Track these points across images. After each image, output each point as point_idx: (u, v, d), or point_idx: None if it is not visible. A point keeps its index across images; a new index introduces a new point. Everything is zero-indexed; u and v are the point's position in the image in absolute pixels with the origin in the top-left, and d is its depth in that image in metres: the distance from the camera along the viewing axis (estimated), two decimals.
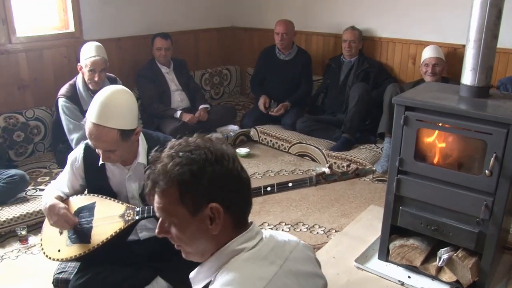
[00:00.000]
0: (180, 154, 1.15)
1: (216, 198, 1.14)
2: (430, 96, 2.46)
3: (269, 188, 2.12)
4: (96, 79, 3.65)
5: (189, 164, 1.12)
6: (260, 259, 1.18)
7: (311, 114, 4.80)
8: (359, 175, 2.19)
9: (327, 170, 2.24)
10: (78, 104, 3.69)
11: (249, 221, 1.26)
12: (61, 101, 3.68)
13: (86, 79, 3.70)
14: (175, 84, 4.71)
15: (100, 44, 3.79)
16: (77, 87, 3.74)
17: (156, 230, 1.23)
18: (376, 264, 2.73)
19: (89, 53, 3.68)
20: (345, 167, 2.19)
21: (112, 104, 2.08)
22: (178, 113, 4.49)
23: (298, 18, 5.08)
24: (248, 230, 1.21)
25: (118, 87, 2.20)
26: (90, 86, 3.71)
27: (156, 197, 1.18)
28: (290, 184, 2.14)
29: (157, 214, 1.20)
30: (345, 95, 4.47)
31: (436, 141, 2.50)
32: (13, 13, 3.92)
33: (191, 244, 1.19)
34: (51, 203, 2.24)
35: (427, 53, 4.03)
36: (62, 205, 2.24)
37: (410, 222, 2.57)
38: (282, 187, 2.14)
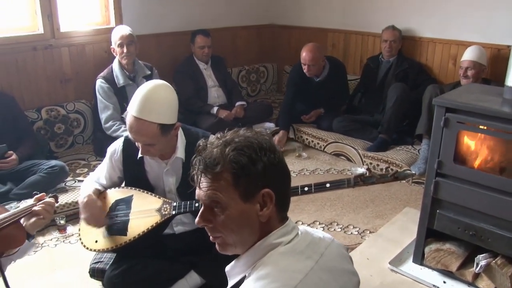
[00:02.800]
0: (236, 140, 1.18)
1: (268, 185, 1.17)
2: (472, 98, 2.40)
3: (306, 188, 2.11)
4: (125, 51, 3.88)
5: (246, 150, 1.16)
6: (296, 253, 1.18)
7: (348, 114, 4.75)
8: (398, 178, 2.15)
9: (363, 171, 2.22)
10: (113, 83, 3.91)
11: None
12: (98, 82, 3.93)
13: (118, 56, 3.94)
14: (212, 80, 4.74)
15: (125, 26, 4.01)
16: (112, 67, 3.98)
17: (197, 219, 1.23)
18: (410, 267, 2.68)
19: (116, 32, 3.96)
20: (384, 170, 2.16)
21: (154, 98, 2.10)
22: (215, 109, 4.52)
23: (337, 17, 5.04)
24: (284, 225, 1.23)
25: (160, 82, 2.22)
26: (123, 61, 3.93)
27: (207, 182, 1.18)
28: (327, 185, 2.12)
29: (205, 200, 1.20)
30: (383, 95, 4.41)
31: (478, 144, 2.44)
32: (57, 9, 4.02)
33: (236, 233, 1.20)
34: (88, 199, 2.29)
35: (464, 55, 3.93)
36: (98, 204, 2.29)
37: (447, 226, 2.52)
38: (319, 187, 2.13)
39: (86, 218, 2.28)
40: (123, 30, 3.94)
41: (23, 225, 1.79)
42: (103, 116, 3.86)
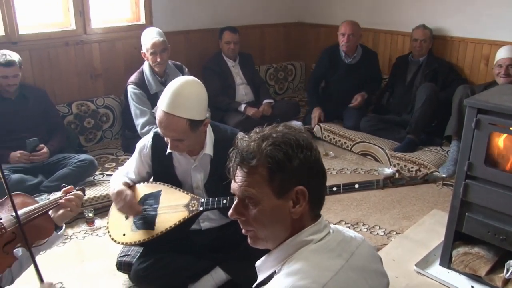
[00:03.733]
0: (274, 135, 1.18)
1: (303, 183, 1.17)
2: (505, 99, 2.35)
3: (335, 188, 2.10)
4: (158, 59, 3.78)
5: (283, 146, 1.16)
6: (327, 251, 1.18)
7: (375, 113, 4.70)
8: (427, 181, 2.12)
9: (391, 171, 2.19)
10: (146, 90, 3.82)
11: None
12: (130, 88, 3.83)
13: (150, 62, 3.83)
14: (240, 77, 4.75)
15: (156, 28, 3.92)
16: (144, 73, 3.88)
17: (230, 211, 1.25)
18: (437, 270, 2.64)
19: (148, 37, 3.83)
20: (414, 172, 2.13)
21: (183, 94, 2.12)
22: (243, 106, 4.53)
23: (366, 15, 4.99)
24: (317, 223, 1.23)
25: (190, 78, 2.24)
26: (156, 68, 3.84)
27: (242, 176, 1.19)
28: (356, 186, 2.11)
29: (238, 193, 1.21)
30: (412, 95, 4.35)
31: (510, 147, 2.38)
32: (89, 6, 4.09)
33: (267, 227, 1.20)
34: (118, 189, 2.33)
35: (502, 54, 3.84)
36: (129, 192, 2.33)
37: (476, 229, 2.47)
38: (348, 188, 2.11)
39: (121, 207, 2.32)
40: (155, 36, 3.81)
41: (51, 216, 1.82)
42: (139, 122, 3.76)
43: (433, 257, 2.74)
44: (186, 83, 2.16)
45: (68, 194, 1.87)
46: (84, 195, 1.99)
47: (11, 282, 1.78)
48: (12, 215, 1.64)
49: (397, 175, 2.09)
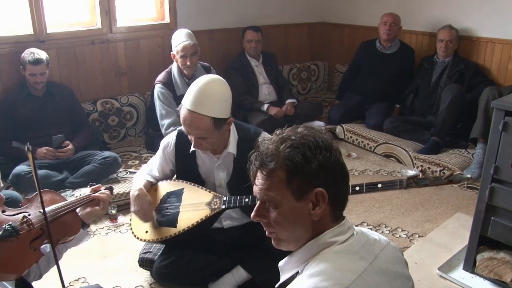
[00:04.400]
0: (292, 137, 1.17)
1: (322, 184, 1.16)
2: None
3: (357, 188, 2.07)
4: (188, 63, 3.77)
5: (301, 148, 1.15)
6: (350, 253, 1.17)
7: (399, 114, 4.66)
8: (452, 181, 2.08)
9: (414, 173, 2.16)
10: (173, 90, 3.82)
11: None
12: (157, 87, 3.83)
13: (180, 65, 3.82)
14: (263, 77, 4.75)
15: (188, 30, 3.91)
16: (172, 73, 3.88)
17: (252, 214, 1.25)
18: (460, 274, 2.61)
19: (178, 39, 3.82)
20: (438, 173, 2.10)
21: (208, 92, 2.13)
22: (265, 106, 4.52)
23: None
24: (340, 224, 1.22)
25: (215, 76, 2.25)
26: (184, 71, 3.83)
27: (261, 178, 1.20)
28: (379, 185, 2.08)
29: (259, 196, 1.22)
30: (437, 96, 4.29)
31: None
32: (115, 5, 4.14)
33: (288, 229, 1.21)
34: (139, 193, 2.33)
35: None
36: (148, 198, 2.33)
37: (502, 234, 2.42)
38: (371, 187, 2.09)
39: (135, 211, 2.34)
40: (186, 39, 3.78)
41: (79, 214, 1.85)
42: (164, 122, 3.76)
43: (456, 261, 2.70)
44: (211, 81, 2.17)
45: (96, 193, 1.89)
46: (112, 194, 2.01)
47: (39, 277, 1.81)
48: (40, 212, 1.66)
49: (421, 175, 2.06)
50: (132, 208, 2.35)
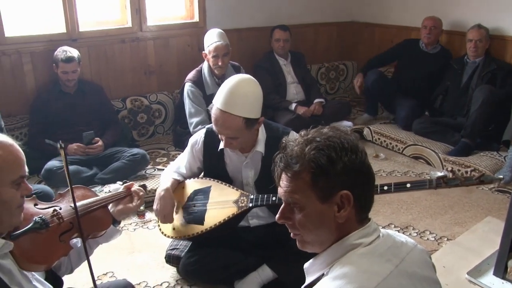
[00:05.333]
0: (318, 139, 1.16)
1: (347, 187, 1.14)
2: None
3: (386, 187, 2.05)
4: (219, 63, 3.79)
5: (326, 150, 1.14)
6: (376, 255, 1.16)
7: (429, 115, 4.59)
8: (483, 182, 2.03)
9: (444, 175, 2.12)
10: (203, 89, 3.85)
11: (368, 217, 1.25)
12: (187, 86, 3.86)
13: (211, 65, 3.84)
14: (291, 76, 4.74)
15: (221, 30, 3.93)
16: (202, 72, 3.90)
17: (277, 216, 1.24)
18: (490, 280, 2.54)
19: (211, 39, 3.84)
20: (469, 173, 2.05)
21: (240, 92, 2.14)
22: (293, 105, 4.51)
23: (421, 15, 4.86)
24: (366, 226, 1.20)
25: (246, 76, 2.26)
26: (215, 71, 3.85)
27: (286, 180, 1.19)
28: (408, 185, 2.05)
29: (283, 198, 1.21)
30: (468, 97, 4.21)
31: None
32: (145, 3, 4.18)
33: (313, 232, 1.20)
34: (165, 194, 2.35)
35: None
36: (172, 201, 2.35)
37: None
38: (399, 187, 2.06)
39: (156, 210, 2.36)
40: (219, 40, 3.81)
41: (110, 211, 1.87)
42: (193, 120, 3.79)
43: (486, 266, 2.65)
44: (242, 81, 2.18)
45: (129, 190, 1.92)
46: (146, 192, 2.03)
47: (71, 271, 1.85)
48: (71, 206, 1.69)
49: (451, 175, 2.02)
50: (154, 206, 2.38)
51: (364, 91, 4.82)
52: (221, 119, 2.14)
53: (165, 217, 2.34)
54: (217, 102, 2.16)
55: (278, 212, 1.24)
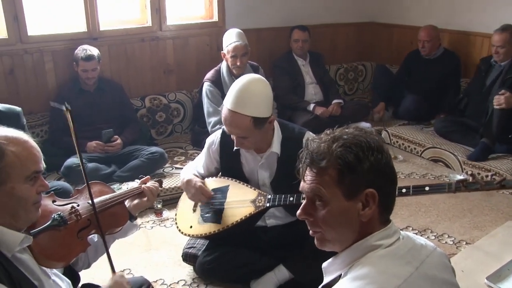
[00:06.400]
0: (344, 137, 1.17)
1: (373, 185, 1.15)
2: None
3: (404, 190, 2.02)
4: (238, 63, 3.80)
5: (354, 148, 1.15)
6: (396, 257, 1.15)
7: (451, 115, 4.52)
8: (505, 186, 2.00)
9: (463, 178, 2.09)
10: (221, 89, 3.86)
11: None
12: (206, 85, 3.88)
13: (229, 64, 3.86)
14: (310, 77, 4.73)
15: (240, 30, 3.94)
16: (221, 72, 3.92)
17: (298, 211, 1.24)
18: (510, 285, 2.49)
19: (230, 39, 3.85)
20: (489, 177, 2.03)
21: (248, 92, 2.15)
22: (311, 106, 4.49)
23: (443, 15, 4.81)
24: (387, 228, 1.20)
25: (255, 76, 2.27)
26: (234, 71, 3.86)
27: (312, 176, 1.19)
28: (427, 188, 2.02)
29: (308, 193, 1.21)
30: (490, 100, 4.13)
31: None
32: (165, 3, 4.21)
33: (335, 229, 1.20)
34: (188, 178, 2.40)
35: None
36: (198, 179, 2.39)
37: None
38: (418, 190, 2.03)
39: (192, 194, 2.39)
40: (237, 40, 3.83)
41: (127, 206, 1.89)
42: (211, 120, 3.81)
43: (506, 272, 2.60)
44: (250, 81, 2.19)
45: (144, 185, 1.94)
46: (161, 186, 2.05)
47: (88, 266, 1.87)
48: (88, 203, 1.71)
49: (471, 179, 1.99)
50: (188, 194, 2.41)
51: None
52: (229, 118, 2.16)
53: (203, 193, 2.35)
54: (227, 102, 2.19)
55: (300, 208, 1.23)
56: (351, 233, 1.19)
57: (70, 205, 1.69)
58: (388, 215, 1.22)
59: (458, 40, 4.87)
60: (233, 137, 2.24)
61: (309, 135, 2.28)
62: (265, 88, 2.23)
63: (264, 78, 2.28)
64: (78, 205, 1.71)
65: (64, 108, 1.65)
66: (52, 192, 1.72)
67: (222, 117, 2.22)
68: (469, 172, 2.23)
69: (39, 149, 1.46)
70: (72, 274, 1.73)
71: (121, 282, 1.63)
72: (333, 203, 1.17)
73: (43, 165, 1.46)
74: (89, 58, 3.57)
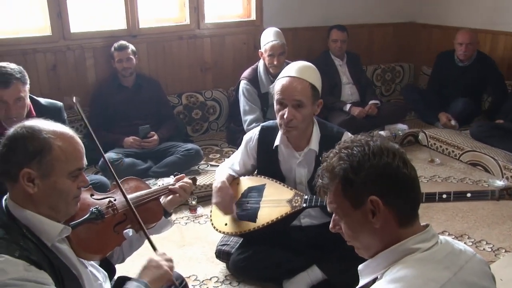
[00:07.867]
0: (343, 151, 1.21)
1: (375, 191, 1.16)
2: None
3: (444, 196, 1.99)
4: (275, 62, 3.80)
5: (349, 159, 1.18)
6: (434, 262, 1.14)
7: (490, 120, 4.41)
8: None
9: (502, 184, 2.04)
10: (257, 87, 3.87)
11: (426, 223, 1.23)
12: (243, 83, 3.90)
13: (267, 63, 3.87)
14: (347, 77, 4.69)
15: (278, 29, 3.94)
16: (258, 71, 3.93)
17: (330, 225, 1.30)
18: None
19: (268, 38, 3.85)
20: None
21: (306, 65, 2.26)
22: (348, 106, 4.46)
23: (484, 15, 4.69)
24: (424, 231, 1.19)
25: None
26: (271, 70, 3.86)
27: (324, 192, 1.26)
28: (468, 195, 1.99)
29: (329, 210, 1.27)
30: None
31: None
32: (204, 1, 4.24)
33: (356, 239, 1.23)
34: (222, 185, 2.39)
35: None
36: (230, 192, 2.39)
37: None
38: (459, 196, 2.00)
39: (216, 203, 2.39)
40: (275, 39, 3.83)
41: (162, 202, 1.91)
42: (247, 118, 3.81)
43: None
44: (305, 62, 2.30)
45: (180, 182, 1.95)
46: (195, 184, 2.07)
47: (122, 260, 1.90)
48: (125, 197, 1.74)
49: None
50: (213, 200, 2.41)
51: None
52: (289, 82, 2.19)
53: (226, 208, 2.37)
54: (285, 73, 2.24)
55: (331, 221, 1.30)
56: (371, 240, 1.21)
57: (107, 200, 1.73)
58: (410, 217, 1.20)
59: (502, 41, 4.74)
60: (284, 111, 2.18)
61: (347, 135, 2.27)
62: (317, 70, 2.31)
63: None
64: (115, 200, 1.74)
65: (74, 100, 1.73)
66: (90, 186, 1.75)
67: (277, 88, 2.23)
68: (509, 179, 2.16)
69: (82, 145, 1.49)
70: (108, 267, 1.76)
71: (157, 261, 1.64)
72: (346, 215, 1.22)
73: (85, 161, 1.49)
74: (122, 47, 3.68)
